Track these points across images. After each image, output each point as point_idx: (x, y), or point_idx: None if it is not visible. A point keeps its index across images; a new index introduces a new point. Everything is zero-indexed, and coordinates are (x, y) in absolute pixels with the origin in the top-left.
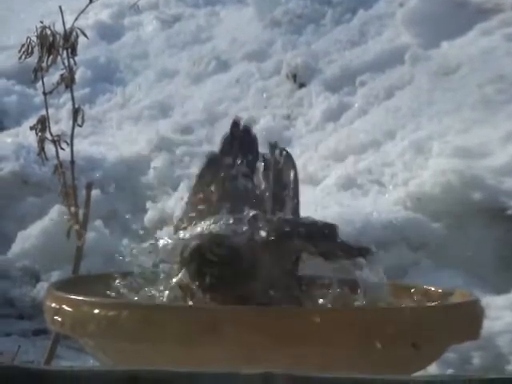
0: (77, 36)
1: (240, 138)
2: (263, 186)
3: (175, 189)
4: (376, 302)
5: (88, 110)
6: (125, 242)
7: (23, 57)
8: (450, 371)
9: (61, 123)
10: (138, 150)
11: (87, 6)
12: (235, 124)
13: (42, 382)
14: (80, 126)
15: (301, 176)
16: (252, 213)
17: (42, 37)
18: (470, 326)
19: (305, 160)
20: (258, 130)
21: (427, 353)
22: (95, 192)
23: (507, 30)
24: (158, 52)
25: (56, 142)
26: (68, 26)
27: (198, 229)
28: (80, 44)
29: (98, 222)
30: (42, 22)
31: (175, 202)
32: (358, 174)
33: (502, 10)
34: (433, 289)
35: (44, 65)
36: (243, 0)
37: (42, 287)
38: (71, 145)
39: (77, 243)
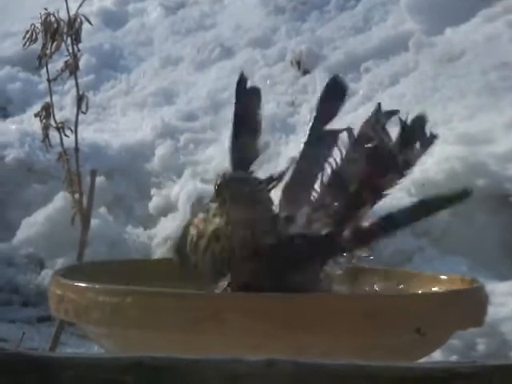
0: (81, 23)
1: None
2: None
3: (179, 176)
4: (381, 289)
5: (92, 97)
6: (129, 228)
7: (27, 43)
8: (454, 358)
9: (65, 110)
10: (142, 136)
11: None
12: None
13: (47, 369)
14: (84, 113)
15: None
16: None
17: (46, 23)
18: (474, 313)
19: None
20: (262, 117)
21: (432, 339)
22: (99, 179)
23: (511, 17)
24: (162, 39)
25: (60, 129)
26: (72, 12)
27: None
28: (84, 31)
29: (103, 209)
30: (46, 9)
31: (180, 189)
32: None
33: None
34: (437, 275)
35: (48, 52)
36: None
37: (46, 274)
38: (75, 132)
39: (81, 230)
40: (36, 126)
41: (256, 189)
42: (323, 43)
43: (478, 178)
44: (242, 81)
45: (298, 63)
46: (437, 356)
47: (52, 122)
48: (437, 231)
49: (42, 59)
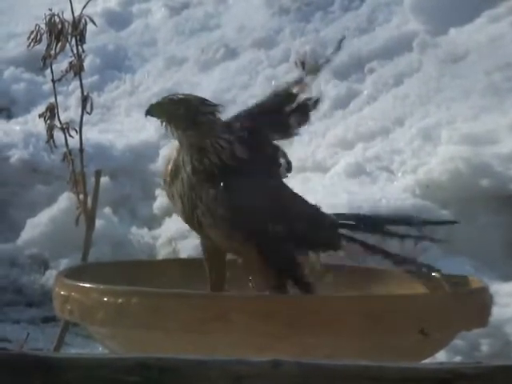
0: (85, 23)
1: None
2: None
3: None
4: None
5: (96, 98)
6: (134, 229)
7: (32, 44)
8: (458, 358)
9: (69, 111)
10: (146, 137)
11: None
12: None
13: (51, 369)
14: (89, 114)
15: (309, 164)
16: None
17: (50, 24)
18: (478, 313)
19: (313, 148)
20: None
21: (436, 340)
22: (104, 179)
23: None
24: (167, 39)
25: (65, 129)
26: (77, 13)
27: None
28: (88, 31)
29: (107, 210)
30: (50, 10)
31: None
32: (366, 161)
33: None
34: (441, 276)
35: (53, 52)
36: None
37: (50, 275)
38: (80, 132)
39: (86, 230)
40: (40, 126)
41: (195, 111)
42: (327, 44)
43: (482, 178)
44: None
45: (303, 64)
46: (441, 357)
47: (56, 123)
48: (441, 231)
49: (46, 60)
